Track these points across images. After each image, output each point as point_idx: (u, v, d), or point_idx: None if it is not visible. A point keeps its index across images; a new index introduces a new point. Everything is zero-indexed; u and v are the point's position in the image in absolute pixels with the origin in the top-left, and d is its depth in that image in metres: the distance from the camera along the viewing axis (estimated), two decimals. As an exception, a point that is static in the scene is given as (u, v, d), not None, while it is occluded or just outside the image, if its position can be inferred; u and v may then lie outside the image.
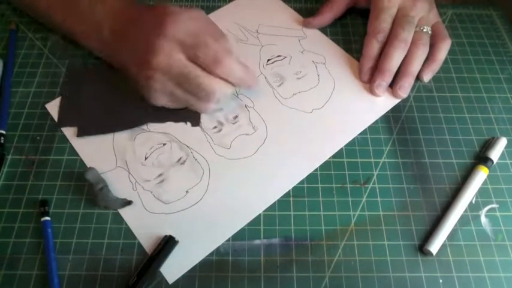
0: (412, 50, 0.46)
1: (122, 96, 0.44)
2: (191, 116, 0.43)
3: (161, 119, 0.43)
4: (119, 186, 0.39)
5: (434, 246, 0.36)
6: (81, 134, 0.42)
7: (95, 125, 0.42)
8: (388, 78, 0.45)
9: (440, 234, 0.36)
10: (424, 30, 0.47)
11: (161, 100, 0.41)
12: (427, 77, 0.47)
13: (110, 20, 0.42)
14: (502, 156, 0.42)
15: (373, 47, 0.47)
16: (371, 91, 0.46)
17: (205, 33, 0.39)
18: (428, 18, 0.48)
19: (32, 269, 0.35)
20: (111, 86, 0.45)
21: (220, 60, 0.38)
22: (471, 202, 0.39)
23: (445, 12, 0.54)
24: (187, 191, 0.39)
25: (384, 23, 0.47)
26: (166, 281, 0.35)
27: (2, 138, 0.41)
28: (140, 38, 0.39)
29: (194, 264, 0.35)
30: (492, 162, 0.41)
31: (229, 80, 0.40)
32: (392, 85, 0.46)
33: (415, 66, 0.46)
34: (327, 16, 0.51)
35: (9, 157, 0.41)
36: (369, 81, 0.46)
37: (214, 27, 0.41)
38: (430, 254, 0.36)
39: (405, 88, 0.45)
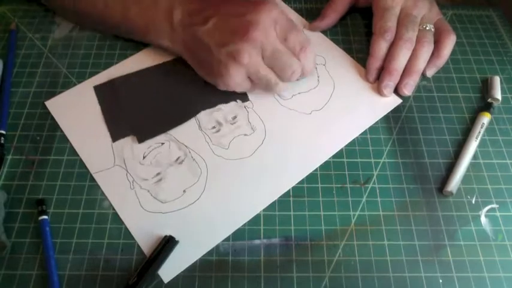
0: (417, 48, 0.46)
1: (167, 94, 0.44)
2: (238, 94, 0.44)
3: (212, 104, 0.44)
4: (116, 184, 0.39)
5: (452, 186, 0.39)
6: (142, 139, 0.42)
7: (150, 127, 0.43)
8: (396, 78, 0.45)
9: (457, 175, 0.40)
10: (427, 28, 0.47)
11: (239, 77, 0.41)
12: (430, 72, 0.47)
13: (183, 3, 0.43)
14: (502, 156, 0.42)
15: (381, 47, 0.47)
16: (378, 91, 0.46)
17: (292, 21, 0.43)
18: (430, 16, 0.48)
19: (31, 269, 0.35)
20: (150, 88, 0.45)
21: (306, 47, 0.42)
22: (471, 201, 0.39)
23: (445, 13, 0.54)
24: (184, 191, 0.39)
25: (390, 22, 0.47)
26: (166, 281, 0.35)
27: (2, 138, 0.41)
28: (232, 15, 0.41)
29: (189, 264, 0.35)
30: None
31: (304, 68, 0.43)
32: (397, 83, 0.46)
33: (420, 64, 0.46)
34: (333, 16, 0.51)
35: (9, 157, 0.41)
36: (375, 81, 0.47)
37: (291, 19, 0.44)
38: (450, 195, 0.39)
39: (410, 86, 0.45)
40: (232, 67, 0.40)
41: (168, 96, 0.45)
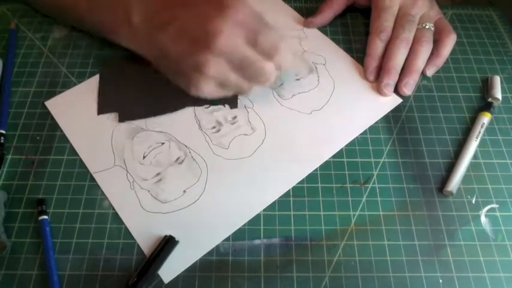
0: (416, 47, 0.46)
1: (161, 82, 0.43)
2: (229, 99, 0.44)
3: (201, 103, 0.44)
4: (116, 184, 0.39)
5: (452, 186, 0.39)
6: (122, 119, 0.43)
7: (135, 110, 0.43)
8: (395, 77, 0.45)
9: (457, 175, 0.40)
10: (427, 27, 0.47)
11: (208, 88, 0.39)
12: (430, 72, 0.47)
13: (141, 4, 0.40)
14: (502, 156, 0.42)
15: (376, 47, 0.47)
16: (378, 91, 0.46)
17: (262, 19, 0.39)
18: (430, 15, 0.48)
19: (31, 269, 0.35)
20: (148, 73, 0.44)
21: (278, 47, 0.39)
22: (471, 201, 0.39)
23: (445, 12, 0.54)
24: (184, 191, 0.39)
25: (386, 22, 0.47)
26: (166, 281, 0.35)
27: (2, 138, 0.41)
28: (194, 21, 0.37)
29: (190, 265, 0.35)
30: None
31: (282, 67, 0.40)
32: (396, 83, 0.46)
33: (420, 63, 0.46)
34: (328, 14, 0.52)
35: (9, 157, 0.41)
36: (375, 81, 0.47)
37: (262, 15, 0.40)
38: (450, 194, 0.39)
39: (410, 85, 0.46)
40: (198, 79, 0.38)
41: (161, 85, 0.43)
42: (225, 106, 0.44)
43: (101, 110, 0.44)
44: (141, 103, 0.44)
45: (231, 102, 0.44)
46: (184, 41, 0.38)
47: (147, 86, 0.45)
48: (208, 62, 0.37)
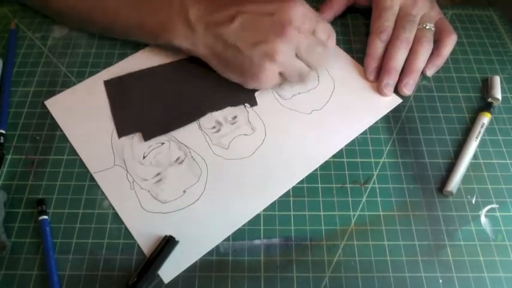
0: (416, 47, 0.46)
1: (176, 93, 0.44)
2: (247, 98, 0.45)
3: (220, 106, 0.44)
4: (116, 184, 0.39)
5: (452, 186, 0.39)
6: (147, 137, 0.42)
7: (157, 126, 0.42)
8: (395, 77, 0.46)
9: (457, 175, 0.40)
10: (427, 27, 0.47)
11: (272, 75, 0.41)
12: (430, 72, 0.47)
13: (196, 1, 0.42)
14: (502, 156, 0.42)
15: (377, 47, 0.47)
16: (379, 91, 0.46)
17: (315, 11, 0.43)
18: (431, 15, 0.48)
19: (31, 269, 0.35)
20: (158, 86, 0.45)
21: (332, 35, 0.43)
22: (471, 201, 0.39)
23: (445, 13, 0.54)
24: (184, 191, 0.39)
25: (387, 22, 0.47)
26: (166, 281, 0.35)
27: (2, 137, 0.41)
28: (261, 14, 0.40)
29: (190, 265, 0.35)
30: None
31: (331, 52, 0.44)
32: (396, 83, 0.46)
33: (420, 63, 0.46)
34: (327, 14, 0.52)
35: (9, 157, 0.41)
36: (375, 80, 0.47)
37: None
38: (450, 195, 0.39)
39: (410, 85, 0.46)
40: (267, 66, 0.40)
41: (176, 96, 0.44)
42: (245, 106, 0.44)
43: (122, 132, 0.42)
44: (161, 118, 0.43)
45: (251, 100, 0.45)
46: (253, 31, 0.40)
47: (162, 100, 0.44)
48: (279, 48, 0.40)
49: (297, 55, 0.41)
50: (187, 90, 0.44)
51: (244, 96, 0.44)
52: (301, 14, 0.40)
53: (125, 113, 0.43)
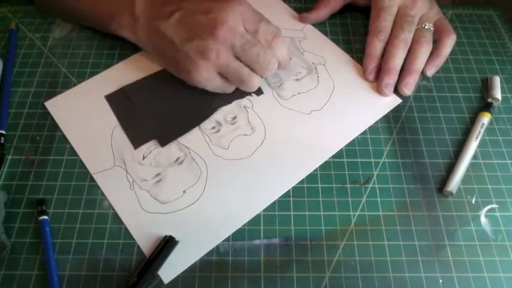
0: (415, 47, 0.46)
1: (181, 95, 0.44)
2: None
3: (228, 100, 0.44)
4: (116, 185, 0.39)
5: (452, 186, 0.39)
6: (164, 142, 0.42)
7: (171, 130, 0.42)
8: (394, 76, 0.46)
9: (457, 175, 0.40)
10: (426, 27, 0.47)
11: (208, 74, 0.41)
12: (430, 72, 0.47)
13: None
14: (502, 156, 0.42)
15: (375, 47, 0.47)
16: (378, 91, 0.46)
17: (260, 14, 0.42)
18: (430, 15, 0.48)
19: (31, 269, 0.35)
20: (163, 91, 0.45)
21: (278, 37, 0.41)
22: (471, 201, 0.39)
23: (445, 12, 0.54)
24: (184, 191, 0.39)
25: (385, 22, 0.47)
26: (166, 281, 0.35)
27: (2, 138, 0.41)
28: (198, 10, 0.40)
29: (190, 265, 0.35)
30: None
31: (279, 57, 0.42)
32: (396, 83, 0.46)
33: (419, 63, 0.46)
34: (323, 11, 0.52)
35: (9, 157, 0.41)
36: (375, 81, 0.47)
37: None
38: (450, 195, 0.39)
39: (410, 85, 0.46)
40: (199, 63, 0.40)
41: (183, 97, 0.44)
42: (251, 95, 0.45)
43: (137, 143, 0.42)
44: (173, 122, 0.43)
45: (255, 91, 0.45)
46: (188, 28, 0.40)
47: (169, 104, 0.44)
48: (211, 47, 0.39)
49: (236, 57, 0.41)
50: (191, 90, 0.44)
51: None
52: (238, 13, 0.40)
53: (135, 124, 0.43)
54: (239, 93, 0.44)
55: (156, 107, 0.44)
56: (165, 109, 0.44)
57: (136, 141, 0.42)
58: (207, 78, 0.41)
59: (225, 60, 0.40)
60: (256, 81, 0.42)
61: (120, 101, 0.45)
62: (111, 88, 0.46)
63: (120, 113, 0.44)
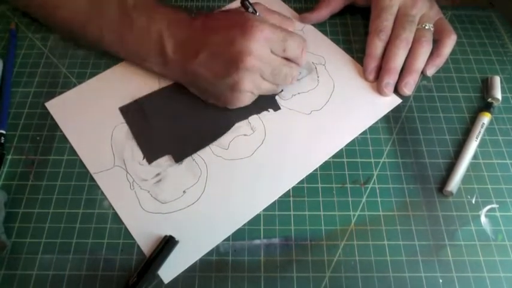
0: (416, 47, 0.46)
1: (198, 110, 0.44)
2: (269, 103, 0.45)
3: (245, 115, 0.44)
4: (116, 185, 0.39)
5: (452, 186, 0.39)
6: (178, 159, 0.41)
7: (185, 146, 0.42)
8: (395, 76, 0.46)
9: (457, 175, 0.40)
10: (426, 27, 0.47)
11: (246, 100, 0.42)
12: (430, 72, 0.47)
13: (172, 36, 0.41)
14: (502, 156, 0.42)
15: (376, 46, 0.47)
16: (379, 91, 0.46)
17: (282, 29, 0.41)
18: (430, 16, 0.48)
19: (31, 269, 0.35)
20: (179, 105, 0.44)
21: (304, 48, 0.42)
22: (471, 201, 0.39)
23: (445, 13, 0.53)
24: (184, 191, 0.39)
25: (386, 22, 0.47)
26: (166, 281, 0.35)
27: (2, 138, 0.41)
28: (222, 45, 0.39)
29: (190, 265, 0.35)
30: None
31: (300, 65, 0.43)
32: (396, 83, 0.46)
33: (419, 63, 0.46)
34: (324, 11, 0.52)
35: (9, 157, 0.41)
36: (375, 80, 0.47)
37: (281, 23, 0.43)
38: (450, 195, 0.39)
39: (410, 85, 0.46)
40: (236, 95, 0.41)
41: (199, 113, 0.44)
42: (268, 111, 0.44)
43: (151, 158, 0.41)
44: (189, 138, 0.42)
45: (273, 105, 0.45)
46: (216, 65, 0.39)
47: (185, 118, 0.43)
48: (242, 79, 0.39)
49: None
50: (207, 105, 0.43)
51: (267, 101, 0.45)
52: (261, 42, 0.39)
53: (149, 138, 0.42)
54: (257, 109, 0.44)
55: (171, 122, 0.43)
56: (181, 124, 0.43)
57: (150, 156, 0.41)
58: (246, 100, 0.42)
59: (257, 85, 0.41)
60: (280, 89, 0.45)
61: (134, 113, 0.44)
62: (111, 88, 0.46)
63: (134, 126, 0.43)
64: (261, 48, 0.39)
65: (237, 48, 0.38)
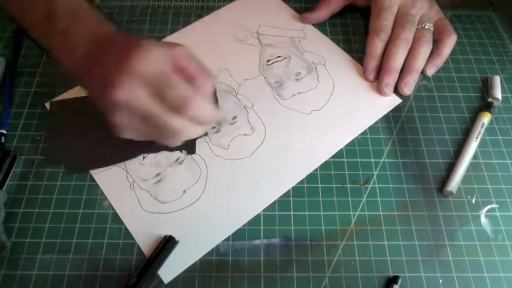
0: (416, 47, 0.46)
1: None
2: (186, 145, 0.40)
3: (156, 149, 0.41)
4: (116, 185, 0.39)
5: (452, 186, 0.39)
6: (72, 171, 0.40)
7: (86, 160, 0.40)
8: (395, 76, 0.46)
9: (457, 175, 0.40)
10: (426, 27, 0.47)
11: (127, 134, 0.36)
12: (430, 71, 0.47)
13: (86, 42, 0.36)
14: (502, 156, 0.42)
15: (376, 46, 0.47)
16: (379, 90, 0.46)
17: (176, 72, 0.34)
18: (430, 15, 0.48)
19: (31, 269, 0.35)
20: (97, 118, 0.36)
21: (191, 99, 0.33)
22: (471, 201, 0.39)
23: (445, 13, 0.53)
24: (184, 191, 0.39)
25: (386, 22, 0.47)
26: (166, 281, 0.35)
27: (3, 137, 0.41)
28: (101, 70, 0.34)
29: (190, 265, 0.35)
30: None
31: (198, 119, 0.35)
32: (396, 83, 0.46)
33: (419, 63, 0.46)
34: (324, 11, 0.52)
35: (9, 157, 0.41)
36: (375, 80, 0.47)
37: (194, 66, 0.35)
38: (450, 194, 0.39)
39: (410, 85, 0.46)
40: (116, 125, 0.35)
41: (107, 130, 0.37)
42: (182, 152, 0.41)
43: (51, 160, 0.40)
44: (92, 152, 0.41)
45: (189, 148, 0.41)
46: (98, 87, 0.34)
47: (99, 131, 0.39)
48: (114, 112, 0.34)
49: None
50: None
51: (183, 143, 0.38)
52: (138, 74, 0.32)
53: (57, 140, 0.41)
54: (168, 147, 0.39)
55: (83, 131, 0.41)
56: (89, 136, 0.41)
57: (51, 160, 0.40)
58: (129, 137, 0.37)
59: (133, 125, 0.35)
60: (172, 143, 0.37)
61: (61, 112, 0.43)
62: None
63: (50, 127, 0.42)
64: (133, 85, 0.32)
65: (106, 78, 0.33)
